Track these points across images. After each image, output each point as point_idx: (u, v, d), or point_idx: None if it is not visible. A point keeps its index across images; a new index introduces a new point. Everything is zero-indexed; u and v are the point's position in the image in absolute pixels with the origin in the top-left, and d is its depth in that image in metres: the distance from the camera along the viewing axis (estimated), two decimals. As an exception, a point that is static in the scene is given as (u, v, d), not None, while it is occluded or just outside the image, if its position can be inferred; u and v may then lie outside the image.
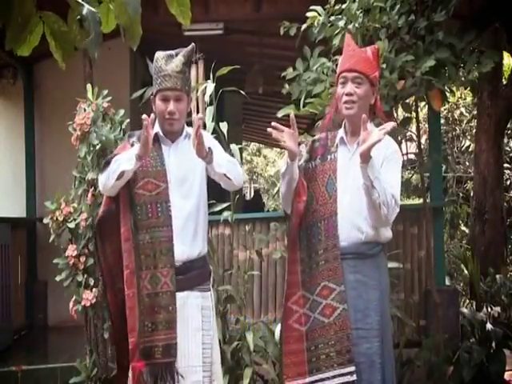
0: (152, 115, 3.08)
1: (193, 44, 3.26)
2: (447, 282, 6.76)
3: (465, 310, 6.19)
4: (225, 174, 3.15)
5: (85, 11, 1.74)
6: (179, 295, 3.11)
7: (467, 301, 7.41)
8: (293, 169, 3.03)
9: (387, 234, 3.09)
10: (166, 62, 3.18)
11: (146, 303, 3.05)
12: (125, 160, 3.06)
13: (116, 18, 1.89)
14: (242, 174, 3.33)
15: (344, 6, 4.34)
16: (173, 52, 3.22)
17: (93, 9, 1.79)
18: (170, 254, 3.09)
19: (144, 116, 2.99)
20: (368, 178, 2.81)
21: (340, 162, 3.07)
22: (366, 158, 2.78)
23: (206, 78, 4.80)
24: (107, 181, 3.10)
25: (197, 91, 5.42)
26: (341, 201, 3.02)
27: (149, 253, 3.08)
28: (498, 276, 7.07)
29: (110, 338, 3.48)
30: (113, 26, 1.94)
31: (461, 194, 10.44)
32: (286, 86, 4.71)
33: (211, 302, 3.27)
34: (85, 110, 4.67)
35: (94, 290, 4.44)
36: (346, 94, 3.00)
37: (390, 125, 2.80)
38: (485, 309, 6.49)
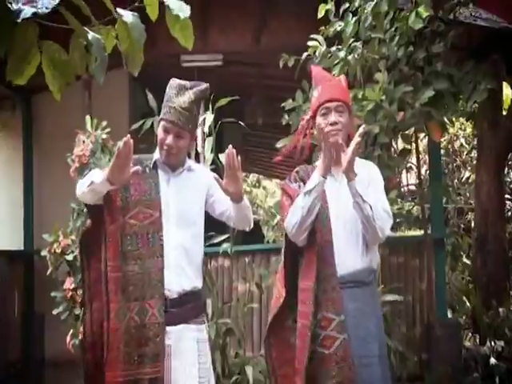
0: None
1: (207, 85, 3.22)
2: (449, 315, 6.72)
3: (467, 344, 6.14)
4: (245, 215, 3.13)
5: (90, 37, 1.77)
6: (174, 329, 3.05)
7: (470, 334, 7.35)
8: (322, 187, 2.98)
9: (378, 258, 3.14)
10: (178, 93, 3.14)
11: (133, 335, 2.97)
12: (99, 173, 2.96)
13: (118, 43, 1.92)
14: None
15: (339, 29, 4.40)
16: (188, 84, 3.16)
17: (97, 35, 1.81)
18: (160, 284, 3.02)
19: (125, 138, 2.84)
20: (357, 194, 2.86)
21: (328, 192, 3.07)
22: (350, 173, 2.86)
23: (205, 109, 4.83)
24: (80, 186, 3.03)
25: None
26: (335, 230, 3.03)
27: (137, 284, 3.01)
28: (501, 309, 7.02)
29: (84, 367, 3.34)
30: (109, 50, 1.96)
31: (462, 226, 10.43)
32: (286, 116, 4.75)
33: (207, 334, 3.24)
34: (84, 141, 4.70)
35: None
36: (331, 124, 3.02)
37: (360, 132, 2.86)
38: (488, 343, 6.43)
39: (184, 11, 1.90)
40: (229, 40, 6.35)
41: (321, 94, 3.11)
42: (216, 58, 6.61)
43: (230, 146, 2.95)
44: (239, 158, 2.96)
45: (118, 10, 1.84)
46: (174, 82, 3.18)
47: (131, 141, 2.84)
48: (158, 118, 3.22)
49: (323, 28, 4.58)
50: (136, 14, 1.87)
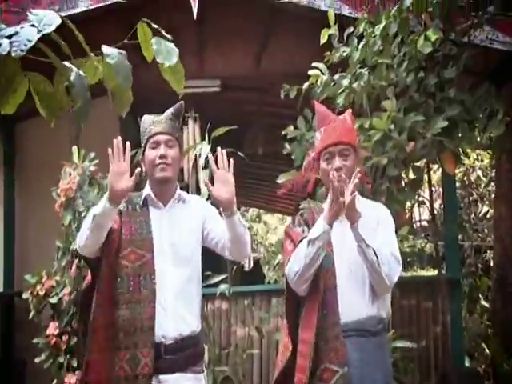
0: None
1: (181, 102, 3.33)
2: (467, 363, 6.67)
3: (487, 395, 6.10)
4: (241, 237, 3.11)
5: (73, 76, 1.77)
6: (170, 378, 3.04)
7: (489, 384, 7.29)
8: (328, 236, 2.98)
9: (388, 307, 3.12)
10: (154, 120, 3.28)
11: None
12: (97, 207, 3.01)
13: (103, 80, 1.93)
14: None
15: (345, 54, 4.45)
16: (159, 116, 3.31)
17: (81, 73, 1.81)
18: (151, 332, 3.02)
19: (115, 140, 2.95)
20: (360, 238, 2.88)
21: (333, 235, 3.07)
22: (352, 216, 2.88)
23: (201, 138, 4.87)
24: (81, 234, 3.04)
25: (189, 155, 5.48)
26: (339, 275, 3.03)
27: (129, 330, 3.01)
28: (523, 356, 6.98)
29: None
30: (96, 80, 1.97)
31: (480, 265, 10.40)
32: (287, 146, 4.78)
33: (205, 384, 3.23)
34: (70, 173, 4.72)
35: (77, 372, 4.37)
36: (336, 169, 3.03)
37: (356, 174, 2.90)
38: (509, 393, 6.39)
39: (171, 57, 1.92)
40: (227, 64, 6.42)
41: (323, 137, 3.15)
42: (213, 83, 6.67)
43: (219, 148, 3.00)
44: (232, 161, 2.99)
45: (104, 47, 1.85)
46: (145, 116, 3.33)
47: (120, 140, 2.96)
48: (142, 151, 3.28)
49: (328, 53, 4.63)
50: (123, 52, 1.88)
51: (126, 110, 1.94)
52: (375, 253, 2.87)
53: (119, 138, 2.94)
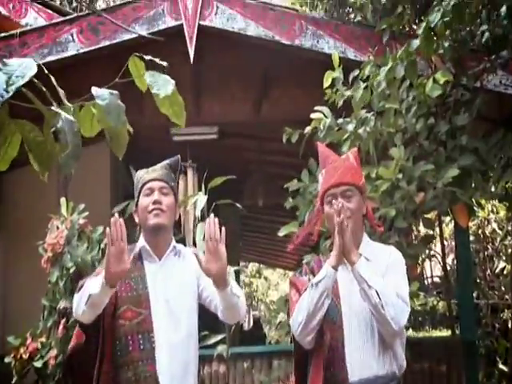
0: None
1: (178, 156, 3.37)
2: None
3: None
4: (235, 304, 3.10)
5: (60, 123, 1.77)
6: None
7: None
8: (333, 281, 2.97)
9: (402, 361, 3.06)
10: (147, 170, 3.31)
11: None
12: (94, 282, 3.00)
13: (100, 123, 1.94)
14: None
15: (349, 94, 4.48)
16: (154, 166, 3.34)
17: (71, 117, 1.82)
18: None
19: (113, 218, 2.90)
20: (362, 279, 2.86)
21: (341, 285, 3.06)
22: (349, 257, 2.89)
23: (198, 189, 4.88)
24: (78, 306, 3.04)
25: (186, 205, 5.48)
26: (347, 326, 3.00)
27: None
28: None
29: None
30: (97, 130, 1.98)
31: (497, 325, 10.32)
32: (290, 199, 4.79)
33: None
34: (58, 227, 4.71)
35: None
36: (338, 211, 3.03)
37: (336, 208, 2.92)
38: None
39: (167, 86, 1.94)
40: (225, 110, 6.46)
41: (325, 179, 3.18)
42: (211, 130, 6.71)
43: (212, 216, 2.99)
44: (224, 230, 2.98)
45: (94, 89, 1.87)
46: (139, 171, 3.35)
47: (121, 220, 2.89)
48: (136, 202, 3.30)
49: (329, 93, 4.66)
50: (114, 92, 1.90)
51: (122, 152, 1.95)
52: (378, 294, 2.83)
53: (116, 215, 2.90)
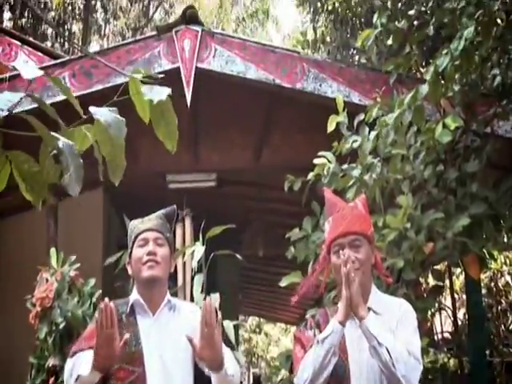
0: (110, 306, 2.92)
1: (174, 206, 3.37)
2: None
3: None
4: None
5: (61, 144, 1.79)
6: None
7: None
8: (340, 337, 2.93)
9: None
10: (143, 220, 3.31)
11: None
12: (84, 361, 2.96)
13: (95, 148, 1.94)
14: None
15: (355, 145, 4.49)
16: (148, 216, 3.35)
17: (69, 142, 1.84)
18: None
19: (103, 304, 2.86)
20: (371, 335, 2.82)
21: (348, 340, 3.03)
22: (358, 311, 2.85)
23: (195, 239, 4.86)
24: (68, 378, 3.00)
25: (183, 255, 5.46)
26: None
27: None
28: None
29: None
30: (88, 145, 1.98)
31: (512, 384, 10.21)
32: (292, 248, 4.77)
33: None
34: (47, 280, 4.68)
35: None
36: (346, 262, 3.01)
37: (343, 259, 2.89)
38: None
39: (161, 94, 1.95)
40: (224, 156, 6.48)
41: (332, 227, 3.16)
42: (209, 177, 6.71)
43: (208, 299, 2.96)
44: (219, 315, 2.96)
45: (92, 107, 1.88)
46: (133, 221, 3.36)
47: (111, 304, 2.86)
48: (129, 253, 3.29)
49: (336, 144, 4.68)
50: (113, 109, 1.91)
51: (119, 177, 1.95)
52: (388, 351, 2.79)
53: (106, 300, 2.87)
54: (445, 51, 4.09)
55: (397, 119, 4.29)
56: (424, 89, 4.17)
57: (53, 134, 1.80)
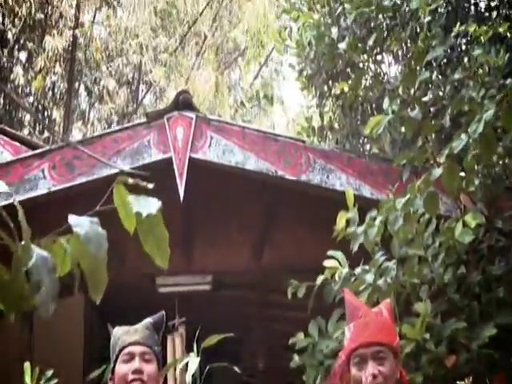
0: None
1: (163, 313, 3.38)
2: None
3: None
4: None
5: (33, 260, 1.79)
6: None
7: None
8: None
9: None
10: (128, 330, 3.30)
11: None
12: None
13: (73, 263, 1.94)
14: None
15: (359, 231, 4.49)
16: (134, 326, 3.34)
17: (45, 253, 1.84)
18: None
19: None
20: None
21: None
22: None
23: (189, 349, 4.83)
24: None
25: (175, 369, 5.41)
26: None
27: None
28: None
29: None
30: (69, 268, 1.98)
31: None
32: (296, 357, 4.73)
33: None
34: (20, 395, 4.65)
35: None
36: (373, 376, 3.00)
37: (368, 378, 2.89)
38: None
39: (150, 207, 1.96)
40: (220, 256, 6.46)
41: (353, 335, 3.14)
42: (203, 280, 6.68)
43: None
44: None
45: (71, 216, 1.90)
46: (117, 328, 3.38)
47: None
48: (112, 368, 3.28)
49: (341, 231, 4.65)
50: (94, 219, 1.92)
51: (100, 294, 1.94)
52: None
53: None
54: (463, 135, 4.11)
55: (406, 204, 4.26)
56: (437, 172, 4.13)
57: (27, 245, 1.81)
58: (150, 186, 2.09)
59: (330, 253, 4.67)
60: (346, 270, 4.56)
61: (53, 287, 1.80)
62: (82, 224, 1.88)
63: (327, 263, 4.63)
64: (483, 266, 4.37)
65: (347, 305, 3.29)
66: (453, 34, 4.79)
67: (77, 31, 15.86)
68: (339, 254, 4.65)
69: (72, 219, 1.89)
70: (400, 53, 6.12)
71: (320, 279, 4.64)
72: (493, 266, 4.33)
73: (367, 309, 3.25)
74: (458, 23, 4.75)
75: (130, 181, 2.01)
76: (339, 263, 4.60)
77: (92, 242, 1.85)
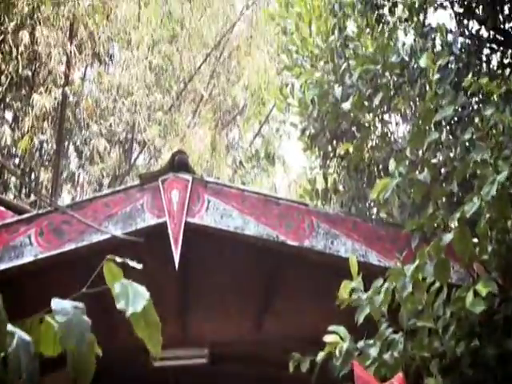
0: None
1: None
2: None
3: None
4: None
5: (14, 344, 1.76)
6: None
7: None
8: None
9: None
10: None
11: None
12: None
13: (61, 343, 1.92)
14: None
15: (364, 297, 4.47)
16: None
17: (26, 337, 1.81)
18: None
19: None
20: None
21: None
22: None
23: None
24: None
25: None
26: None
27: None
28: None
29: None
30: (59, 350, 1.96)
31: None
32: None
33: None
34: None
35: None
36: None
37: None
38: None
39: (138, 301, 1.94)
40: (218, 327, 6.43)
41: None
42: (200, 352, 6.64)
43: None
44: None
45: (54, 301, 1.88)
46: None
47: None
48: None
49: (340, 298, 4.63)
50: (79, 305, 1.90)
51: (87, 381, 1.92)
52: None
53: None
54: (475, 197, 4.13)
55: (416, 271, 4.25)
56: (448, 237, 4.16)
57: (8, 328, 1.79)
58: (139, 266, 2.08)
59: (331, 328, 4.63)
60: (347, 344, 4.52)
61: (33, 375, 1.78)
62: (64, 310, 1.85)
63: (328, 338, 4.59)
64: (498, 338, 4.33)
65: (357, 379, 3.28)
66: (463, 91, 4.81)
67: (66, 89, 15.73)
68: (341, 329, 4.61)
69: (55, 303, 1.86)
70: (408, 112, 6.16)
71: (321, 355, 4.60)
72: (509, 338, 4.29)
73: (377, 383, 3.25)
74: (470, 75, 4.78)
75: (118, 260, 2.00)
76: (340, 338, 4.57)
77: (73, 332, 1.82)
